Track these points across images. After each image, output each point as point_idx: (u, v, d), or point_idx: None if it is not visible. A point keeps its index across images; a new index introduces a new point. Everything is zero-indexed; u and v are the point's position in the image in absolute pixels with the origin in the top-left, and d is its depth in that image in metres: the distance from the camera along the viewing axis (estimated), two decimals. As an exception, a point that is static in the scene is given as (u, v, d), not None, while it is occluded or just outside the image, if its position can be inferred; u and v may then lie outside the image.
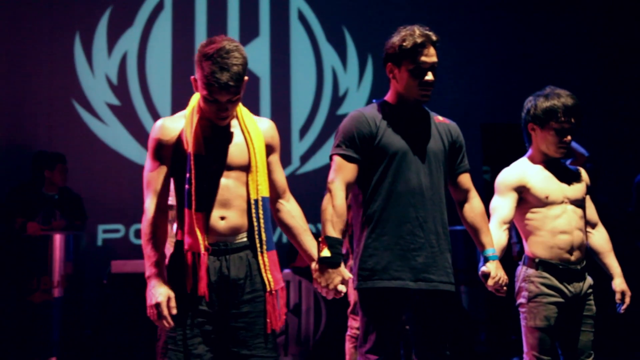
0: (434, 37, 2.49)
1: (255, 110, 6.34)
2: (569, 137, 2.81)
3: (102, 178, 6.06)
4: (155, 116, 6.29)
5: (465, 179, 2.65)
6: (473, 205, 2.62)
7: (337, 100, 6.75)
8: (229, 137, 2.29)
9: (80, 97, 6.28)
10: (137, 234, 6.11)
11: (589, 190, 2.95)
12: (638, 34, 6.98)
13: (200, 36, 6.44)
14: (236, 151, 2.27)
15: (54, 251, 4.92)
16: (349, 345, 4.04)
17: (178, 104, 6.11)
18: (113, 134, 6.31)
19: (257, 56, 6.60)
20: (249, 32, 6.63)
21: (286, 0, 6.76)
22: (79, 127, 6.24)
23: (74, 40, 6.31)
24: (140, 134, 6.25)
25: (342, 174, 2.46)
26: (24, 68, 6.21)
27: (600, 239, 2.94)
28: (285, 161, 6.42)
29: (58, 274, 4.90)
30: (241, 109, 2.35)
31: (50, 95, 6.25)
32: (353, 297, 3.88)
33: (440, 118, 2.65)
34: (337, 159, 2.49)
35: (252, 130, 2.31)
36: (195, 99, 2.32)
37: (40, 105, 6.21)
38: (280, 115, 6.55)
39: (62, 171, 5.21)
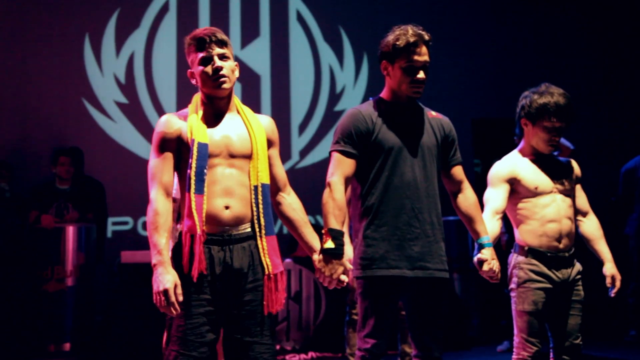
0: (426, 37, 2.47)
1: (256, 106, 6.39)
2: (559, 137, 2.80)
3: (111, 173, 6.04)
4: (161, 113, 6.21)
5: (458, 171, 2.63)
6: (467, 196, 2.60)
7: (335, 97, 6.73)
8: (231, 127, 2.28)
9: (90, 96, 6.26)
10: (145, 225, 6.08)
11: (580, 180, 2.93)
12: (627, 33, 6.96)
13: (204, 37, 6.40)
14: (238, 140, 2.26)
15: (67, 242, 4.91)
16: (348, 330, 4.03)
17: (183, 102, 6.06)
18: (121, 131, 6.29)
19: (258, 55, 6.58)
20: (250, 33, 6.60)
21: (285, 2, 6.73)
22: (89, 124, 6.23)
23: (83, 42, 6.28)
24: (146, 130, 6.23)
25: (340, 169, 2.44)
26: (37, 69, 6.19)
27: (591, 226, 2.92)
28: (285, 156, 6.40)
29: (71, 264, 4.89)
30: (241, 105, 2.36)
31: (62, 95, 6.23)
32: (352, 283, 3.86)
33: (434, 113, 2.63)
34: (336, 154, 2.47)
35: (253, 122, 2.31)
36: (197, 97, 2.32)
37: (53, 104, 6.19)
38: (280, 112, 6.53)
39: (62, 164, 5.15)
